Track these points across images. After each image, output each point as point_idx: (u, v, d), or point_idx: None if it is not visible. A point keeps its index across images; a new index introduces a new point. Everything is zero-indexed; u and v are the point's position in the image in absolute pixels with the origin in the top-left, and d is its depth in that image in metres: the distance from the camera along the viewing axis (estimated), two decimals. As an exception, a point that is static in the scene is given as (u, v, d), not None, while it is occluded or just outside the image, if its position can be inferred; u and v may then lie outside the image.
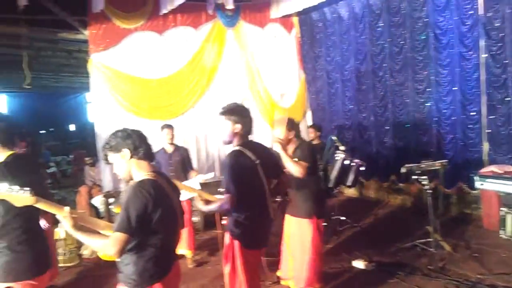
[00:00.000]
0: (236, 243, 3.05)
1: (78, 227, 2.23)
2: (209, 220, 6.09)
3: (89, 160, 7.60)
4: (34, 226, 2.72)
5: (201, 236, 6.13)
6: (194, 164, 6.94)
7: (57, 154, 14.25)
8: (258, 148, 3.20)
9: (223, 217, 4.05)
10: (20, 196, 2.16)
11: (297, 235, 4.00)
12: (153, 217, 2.20)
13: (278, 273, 4.31)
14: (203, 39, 7.10)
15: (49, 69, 9.95)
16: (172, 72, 6.90)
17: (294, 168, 3.72)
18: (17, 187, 2.15)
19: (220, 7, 7.11)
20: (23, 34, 6.16)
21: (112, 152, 2.31)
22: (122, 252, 2.17)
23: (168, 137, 5.25)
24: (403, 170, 5.22)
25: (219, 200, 3.28)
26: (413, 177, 5.20)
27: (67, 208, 2.21)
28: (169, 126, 5.34)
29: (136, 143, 2.29)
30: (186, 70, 6.97)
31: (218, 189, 3.72)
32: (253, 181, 3.02)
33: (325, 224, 5.82)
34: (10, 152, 2.71)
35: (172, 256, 2.48)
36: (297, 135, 4.08)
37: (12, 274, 2.55)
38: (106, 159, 2.37)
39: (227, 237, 3.16)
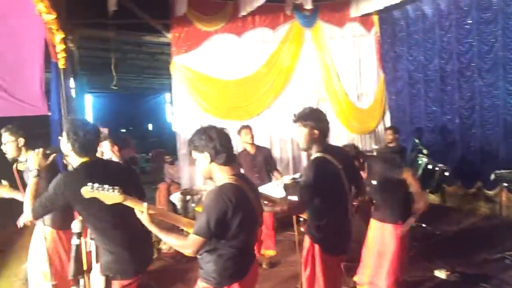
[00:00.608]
0: (317, 247, 3.01)
1: (156, 223, 2.32)
2: (282, 221, 6.07)
3: (168, 159, 7.90)
4: (131, 227, 2.72)
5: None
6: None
7: (136, 152, 14.92)
8: (339, 153, 3.12)
9: (300, 220, 4.02)
10: (109, 194, 2.26)
11: (380, 240, 3.87)
12: (233, 223, 2.23)
13: (355, 278, 4.20)
14: (280, 40, 7.10)
15: (132, 71, 10.49)
16: (249, 73, 6.98)
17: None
18: (107, 186, 2.25)
19: (298, 8, 7.06)
20: (111, 37, 6.53)
21: (195, 151, 2.34)
22: (197, 252, 2.27)
23: (248, 137, 5.21)
24: (492, 176, 4.88)
25: (287, 202, 3.25)
26: (504, 184, 4.85)
27: (145, 204, 2.31)
28: (248, 127, 5.32)
29: (218, 148, 2.28)
30: (263, 71, 7.01)
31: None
32: (336, 187, 2.96)
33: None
34: (85, 159, 2.70)
35: (250, 256, 2.51)
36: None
37: (111, 272, 2.64)
38: (190, 154, 2.40)
39: (307, 241, 3.12)
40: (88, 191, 2.24)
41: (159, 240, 5.90)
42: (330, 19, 7.41)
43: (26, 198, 2.61)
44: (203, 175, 2.39)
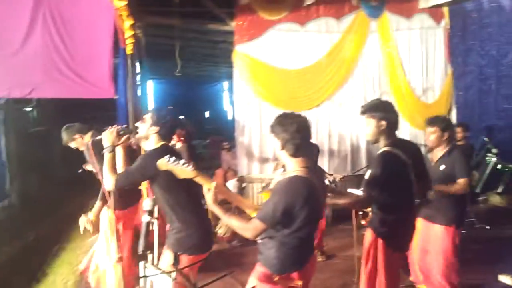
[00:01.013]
0: (380, 242, 2.95)
1: (219, 204, 2.39)
2: (338, 214, 6.01)
3: (226, 145, 8.00)
4: (198, 207, 2.99)
5: (329, 229, 6.06)
6: (326, 158, 6.93)
7: (194, 138, 15.23)
8: (408, 147, 3.03)
9: (360, 214, 3.95)
10: (183, 169, 2.35)
11: (430, 241, 3.75)
12: (299, 215, 2.24)
13: (411, 278, 4.11)
14: (344, 30, 6.93)
15: (193, 58, 10.68)
16: (310, 63, 6.87)
17: (454, 189, 3.56)
18: (182, 160, 2.36)
19: (364, -3, 6.90)
20: (176, 25, 6.67)
21: (273, 135, 2.37)
22: (256, 237, 2.33)
23: None
24: None
25: (353, 196, 3.20)
26: None
27: (214, 183, 2.38)
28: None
29: (288, 138, 2.28)
30: (325, 61, 6.88)
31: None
32: (403, 182, 2.88)
33: (464, 231, 5.40)
34: (162, 143, 2.94)
35: (311, 247, 2.54)
36: (451, 138, 3.78)
37: (181, 248, 2.83)
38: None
39: (369, 234, 3.07)
40: (164, 163, 2.38)
41: (215, 224, 6.03)
42: (397, 10, 7.12)
43: (105, 171, 2.82)
44: (278, 157, 2.47)
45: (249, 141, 6.84)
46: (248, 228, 2.29)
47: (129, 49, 5.73)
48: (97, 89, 5.54)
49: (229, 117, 16.99)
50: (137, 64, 6.41)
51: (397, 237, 2.94)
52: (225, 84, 16.88)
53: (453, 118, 7.36)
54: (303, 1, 6.60)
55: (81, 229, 3.86)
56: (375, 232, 2.99)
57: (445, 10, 7.31)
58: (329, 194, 2.95)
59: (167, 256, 2.82)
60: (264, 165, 6.83)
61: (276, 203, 2.20)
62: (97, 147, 2.98)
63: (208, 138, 13.46)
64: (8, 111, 8.05)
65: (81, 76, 5.53)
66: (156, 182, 2.78)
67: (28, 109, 9.79)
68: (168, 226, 2.99)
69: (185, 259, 2.75)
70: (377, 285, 3.00)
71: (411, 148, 3.05)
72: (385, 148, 2.91)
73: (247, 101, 6.75)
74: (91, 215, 3.88)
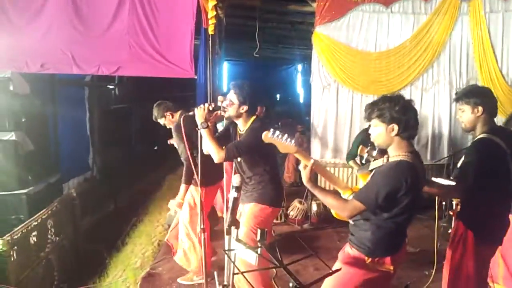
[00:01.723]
0: (470, 234, 2.79)
1: (314, 182, 2.38)
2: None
3: (300, 128, 7.95)
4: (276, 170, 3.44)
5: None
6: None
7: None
8: (509, 135, 2.82)
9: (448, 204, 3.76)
10: (285, 144, 2.41)
11: None
12: (402, 201, 2.18)
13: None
14: (433, 12, 6.53)
15: (269, 40, 10.61)
16: (393, 45, 6.59)
17: None
18: (285, 135, 2.41)
19: (456, -23, 6.44)
20: (257, 6, 6.63)
21: (379, 120, 2.25)
22: (352, 218, 2.30)
23: None
24: None
25: (442, 186, 3.06)
26: None
27: (312, 160, 2.36)
28: None
29: (410, 123, 2.21)
30: (409, 44, 6.55)
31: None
32: (500, 172, 2.69)
33: None
34: (254, 117, 3.17)
35: (405, 235, 2.45)
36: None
37: (267, 200, 3.21)
38: (369, 119, 2.33)
39: (458, 225, 2.91)
40: (268, 136, 2.43)
41: (288, 206, 6.04)
42: (492, -10, 6.61)
43: (209, 145, 3.02)
44: (380, 145, 2.34)
45: (324, 125, 6.71)
46: (346, 208, 2.25)
47: (211, 30, 5.79)
48: (179, 69, 5.69)
49: (301, 100, 16.86)
50: (217, 45, 6.43)
51: (490, 230, 2.76)
52: (299, 67, 16.71)
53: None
54: (389, -19, 6.29)
55: (172, 212, 4.10)
56: (465, 223, 2.82)
57: (548, -11, 6.67)
58: None
59: (248, 231, 2.98)
60: (338, 151, 6.69)
61: (380, 187, 2.15)
62: (188, 123, 3.06)
63: (279, 121, 13.45)
64: (92, 88, 8.51)
65: (164, 56, 5.70)
66: (257, 152, 3.07)
67: (111, 87, 10.30)
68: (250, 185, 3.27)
69: (268, 211, 3.19)
70: (464, 279, 2.84)
71: (510, 136, 2.83)
72: (482, 135, 2.72)
73: (325, 85, 6.60)
74: (179, 197, 4.05)
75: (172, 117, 4.36)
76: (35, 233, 4.58)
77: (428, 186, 2.91)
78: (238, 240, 2.16)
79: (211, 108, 3.01)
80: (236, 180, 2.28)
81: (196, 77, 5.82)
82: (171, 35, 5.74)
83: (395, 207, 2.20)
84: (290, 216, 5.99)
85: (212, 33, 5.82)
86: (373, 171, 2.37)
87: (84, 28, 5.65)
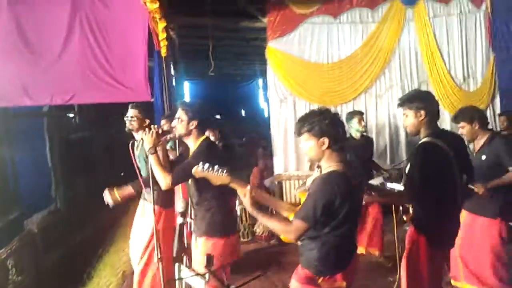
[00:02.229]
0: (423, 239, 2.83)
1: (257, 206, 2.34)
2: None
3: (263, 143, 7.98)
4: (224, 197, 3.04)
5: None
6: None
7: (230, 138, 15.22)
8: (451, 138, 2.90)
9: (401, 209, 3.83)
10: (217, 176, 2.35)
11: (474, 235, 3.58)
12: (340, 212, 2.18)
13: (450, 274, 3.94)
14: (380, 20, 6.76)
15: (226, 57, 10.71)
16: (345, 55, 6.76)
17: (508, 179, 3.44)
18: (216, 167, 2.32)
19: (399, -15, 6.70)
20: (209, 24, 6.68)
21: (309, 134, 2.27)
22: (299, 238, 2.25)
23: (361, 126, 4.88)
24: None
25: (394, 192, 3.09)
26: None
27: (248, 187, 2.34)
28: (361, 114, 4.98)
29: (339, 135, 2.25)
30: (360, 53, 6.74)
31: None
32: (447, 175, 2.75)
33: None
34: (204, 137, 3.02)
35: (353, 246, 2.46)
36: (483, 125, 3.62)
37: (218, 231, 2.97)
38: (299, 134, 2.34)
39: (411, 231, 2.95)
40: (199, 170, 2.37)
41: (253, 223, 6.03)
42: (434, -4, 6.89)
43: (156, 171, 2.89)
44: (313, 158, 2.34)
45: (284, 138, 6.79)
46: (289, 230, 2.22)
47: (163, 51, 5.79)
48: (134, 93, 5.63)
49: (266, 114, 16.94)
50: (172, 66, 6.42)
51: (440, 234, 2.80)
52: (260, 82, 16.86)
53: (497, 106, 7.06)
54: (336, -7, 6.47)
55: (105, 201, 3.87)
56: (417, 228, 2.87)
57: (486, -8, 7.00)
58: (369, 191, 2.87)
59: (199, 257, 2.84)
60: (301, 162, 6.76)
61: (316, 200, 2.15)
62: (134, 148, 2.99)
63: (244, 137, 13.47)
64: (51, 118, 8.31)
65: (118, 80, 5.64)
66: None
67: (71, 115, 10.10)
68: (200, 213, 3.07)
69: (220, 243, 2.91)
70: (419, 284, 2.87)
71: (454, 138, 2.91)
72: (426, 139, 2.79)
73: (282, 98, 6.70)
74: (117, 193, 3.83)
75: None
76: (-6, 274, 4.40)
77: (380, 196, 2.97)
78: (188, 267, 2.12)
79: (160, 132, 2.94)
80: (180, 205, 2.24)
81: (152, 100, 5.78)
82: (124, 59, 5.69)
83: (334, 219, 2.20)
84: (256, 233, 5.97)
85: (165, 54, 5.81)
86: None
87: (34, 58, 5.53)
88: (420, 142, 2.81)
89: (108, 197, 3.83)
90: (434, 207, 2.76)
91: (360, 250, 4.84)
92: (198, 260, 3.00)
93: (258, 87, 17.58)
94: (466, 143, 3.28)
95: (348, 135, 4.99)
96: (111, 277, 4.99)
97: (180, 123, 2.97)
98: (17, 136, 6.63)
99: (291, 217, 2.34)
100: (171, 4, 6.05)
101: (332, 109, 5.82)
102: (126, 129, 3.81)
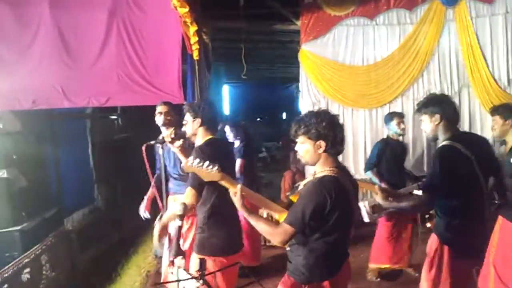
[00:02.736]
0: (446, 248, 2.69)
1: (248, 208, 2.28)
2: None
3: (294, 146, 7.89)
4: (226, 209, 2.82)
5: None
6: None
7: (269, 140, 15.26)
8: (473, 141, 2.76)
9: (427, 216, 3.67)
10: (207, 172, 2.29)
11: (509, 245, 3.35)
12: (330, 218, 2.11)
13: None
14: (418, 21, 6.53)
15: (264, 60, 10.70)
16: (381, 58, 6.60)
17: None
18: (207, 162, 2.28)
19: (439, -15, 6.45)
20: (242, 28, 6.70)
21: (306, 137, 2.21)
22: (286, 243, 2.19)
23: (401, 128, 4.70)
24: None
25: (412, 198, 2.97)
26: None
27: (239, 186, 2.28)
28: (402, 116, 4.81)
29: (337, 138, 2.17)
30: (397, 55, 6.54)
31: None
32: (468, 180, 2.61)
33: None
34: (210, 136, 2.96)
35: (344, 254, 2.37)
36: None
37: (207, 248, 2.80)
38: (295, 136, 2.27)
39: (433, 240, 2.82)
40: (188, 165, 2.31)
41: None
42: (477, -5, 6.60)
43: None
44: (308, 162, 2.27)
45: (318, 142, 6.66)
46: (277, 233, 2.16)
47: (195, 55, 5.85)
48: (168, 95, 5.72)
49: (303, 117, 16.78)
50: (206, 69, 6.48)
51: (465, 243, 2.66)
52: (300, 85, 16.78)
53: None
54: (372, -6, 6.32)
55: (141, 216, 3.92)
56: (440, 237, 2.73)
57: (534, -10, 6.62)
58: (389, 197, 2.76)
59: (193, 260, 2.80)
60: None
61: (305, 205, 2.09)
62: (150, 151, 2.99)
63: (280, 140, 13.45)
64: (94, 120, 8.61)
65: (152, 84, 5.77)
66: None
67: (114, 117, 10.41)
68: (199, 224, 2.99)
69: (210, 263, 2.65)
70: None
71: (476, 141, 2.77)
72: (444, 143, 2.67)
73: (314, 101, 6.63)
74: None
75: None
76: (27, 269, 4.55)
77: (400, 201, 2.85)
78: (185, 270, 2.10)
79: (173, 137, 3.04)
80: (179, 207, 2.21)
81: (185, 103, 5.85)
82: (159, 63, 5.81)
83: (324, 225, 2.13)
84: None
85: (197, 58, 5.87)
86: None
87: (73, 62, 5.76)
88: (439, 146, 2.70)
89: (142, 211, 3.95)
90: (458, 214, 2.64)
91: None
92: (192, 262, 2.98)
93: (298, 90, 17.48)
94: (493, 144, 3.12)
95: (385, 136, 4.91)
96: (137, 276, 5.11)
97: (187, 124, 2.98)
98: (61, 136, 6.91)
99: (281, 219, 2.28)
100: (204, 8, 6.11)
101: (367, 113, 5.89)
102: (159, 123, 3.90)
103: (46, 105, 5.80)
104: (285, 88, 17.76)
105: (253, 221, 2.26)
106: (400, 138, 4.84)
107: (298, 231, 2.13)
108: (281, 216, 2.35)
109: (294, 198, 2.36)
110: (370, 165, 4.79)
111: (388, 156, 4.66)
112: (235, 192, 2.27)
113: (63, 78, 5.67)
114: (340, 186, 2.14)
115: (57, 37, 5.65)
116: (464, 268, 2.75)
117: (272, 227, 2.21)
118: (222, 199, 2.74)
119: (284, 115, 20.00)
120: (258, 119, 18.61)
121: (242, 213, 2.31)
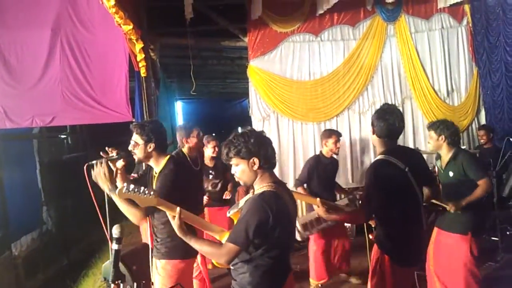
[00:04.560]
0: (386, 258, 2.77)
1: (186, 230, 2.24)
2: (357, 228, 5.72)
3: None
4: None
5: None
6: (349, 169, 6.71)
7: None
8: (406, 154, 2.86)
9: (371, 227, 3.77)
10: (144, 198, 2.26)
11: (446, 252, 3.51)
12: (273, 232, 2.11)
13: None
14: (361, 37, 6.78)
15: (215, 77, 10.76)
16: (326, 72, 6.76)
17: (479, 193, 3.39)
18: (142, 188, 2.24)
19: (380, 2, 6.71)
20: (190, 45, 6.72)
21: (239, 158, 2.21)
22: (231, 262, 2.17)
23: (335, 147, 4.75)
24: None
25: (351, 211, 3.04)
26: None
27: (178, 209, 2.24)
28: (338, 135, 4.84)
29: (269, 153, 2.19)
30: (342, 70, 6.74)
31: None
32: (404, 192, 2.70)
33: (495, 238, 5.06)
34: (167, 157, 2.93)
35: (287, 268, 2.36)
36: (452, 142, 3.59)
37: (164, 253, 2.92)
38: (228, 160, 2.27)
39: (375, 250, 2.89)
40: (123, 192, 2.23)
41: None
42: (415, 12, 6.91)
43: (125, 210, 2.71)
44: (246, 182, 2.26)
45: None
46: (221, 253, 2.13)
47: (142, 72, 5.81)
48: (115, 113, 5.65)
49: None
50: (153, 85, 6.43)
51: (404, 252, 2.74)
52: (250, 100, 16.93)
53: (482, 119, 7.03)
54: (316, 11, 6.49)
55: None
56: (380, 247, 2.81)
57: (466, 7, 7.02)
58: (326, 209, 2.83)
59: (159, 280, 2.79)
60: (285, 179, 6.69)
61: (248, 222, 2.08)
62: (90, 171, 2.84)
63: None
64: (42, 140, 8.33)
65: (99, 102, 5.67)
66: (172, 199, 2.54)
67: (63, 136, 10.11)
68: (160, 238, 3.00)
69: (180, 265, 2.89)
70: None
71: (411, 154, 2.88)
72: (378, 157, 2.76)
73: (264, 116, 6.70)
74: None
75: None
76: (-31, 299, 4.35)
77: (337, 213, 2.92)
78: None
79: (114, 157, 2.79)
80: (115, 231, 2.15)
81: (134, 120, 5.78)
82: (105, 80, 5.73)
83: (268, 240, 2.13)
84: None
85: (145, 75, 5.84)
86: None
87: (15, 81, 5.59)
88: (373, 160, 2.79)
89: None
90: (395, 225, 2.72)
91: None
92: (158, 283, 2.95)
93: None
94: (426, 157, 3.26)
95: (318, 153, 4.98)
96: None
97: (137, 147, 2.88)
98: (6, 158, 6.64)
99: (223, 239, 2.27)
100: (150, 25, 6.10)
101: (316, 126, 5.98)
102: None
103: (-15, 126, 5.60)
104: (238, 103, 17.85)
105: (196, 245, 2.22)
106: (334, 156, 4.90)
107: (242, 249, 2.11)
108: (221, 236, 2.33)
109: (234, 217, 2.36)
110: (298, 182, 4.83)
111: (320, 173, 4.72)
112: (173, 216, 2.24)
113: (3, 98, 5.49)
114: (280, 200, 2.16)
115: (-5, 56, 5.48)
116: (405, 276, 2.83)
117: (215, 248, 2.18)
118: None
119: (239, 129, 20.07)
120: (213, 134, 18.48)
121: (181, 236, 2.25)
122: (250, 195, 2.31)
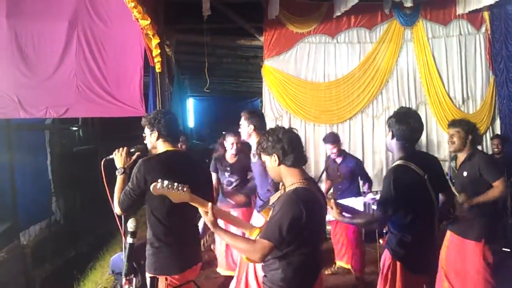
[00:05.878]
0: (398, 264, 2.72)
1: (221, 227, 2.24)
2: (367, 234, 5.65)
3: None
4: (176, 225, 2.75)
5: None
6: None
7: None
8: (425, 160, 2.80)
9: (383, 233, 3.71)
10: (177, 193, 2.23)
11: (459, 257, 3.45)
12: (305, 229, 2.09)
13: None
14: (377, 40, 6.75)
15: (229, 75, 10.76)
16: (341, 75, 6.74)
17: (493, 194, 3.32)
18: (176, 184, 2.22)
19: (398, 6, 6.64)
20: (206, 42, 6.71)
21: (264, 155, 2.25)
22: (264, 258, 2.14)
23: (332, 152, 4.73)
24: None
25: (366, 215, 2.99)
26: None
27: (210, 205, 2.22)
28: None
29: (286, 148, 2.16)
30: (357, 73, 6.71)
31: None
32: (422, 199, 2.65)
33: (507, 249, 4.97)
34: (170, 148, 2.84)
35: (319, 265, 2.37)
36: (474, 142, 3.53)
37: (157, 267, 2.68)
38: (260, 157, 2.31)
39: (387, 256, 2.85)
40: (157, 187, 2.20)
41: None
42: (433, 17, 6.86)
43: (114, 194, 2.72)
44: (274, 178, 2.30)
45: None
46: (255, 250, 2.11)
47: (157, 67, 5.81)
48: (128, 108, 5.65)
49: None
50: (167, 81, 6.43)
51: (416, 259, 2.69)
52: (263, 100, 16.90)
53: (497, 128, 6.93)
54: (333, 13, 6.46)
55: None
56: (392, 253, 2.77)
57: (485, 14, 6.94)
58: (343, 213, 2.79)
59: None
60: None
61: (282, 218, 2.06)
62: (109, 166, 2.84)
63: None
64: (54, 131, 8.39)
65: (113, 95, 5.67)
66: (148, 193, 2.55)
67: (74, 128, 10.18)
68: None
69: (162, 280, 2.56)
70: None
71: (429, 161, 2.83)
72: (397, 162, 2.70)
73: (277, 116, 6.68)
74: None
75: None
76: (-24, 286, 4.39)
77: (355, 217, 2.88)
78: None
79: (132, 150, 2.83)
80: (131, 225, 2.14)
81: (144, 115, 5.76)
82: (120, 74, 5.73)
83: (301, 237, 2.11)
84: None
85: (159, 70, 5.83)
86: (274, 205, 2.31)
87: (31, 72, 5.61)
88: (392, 166, 2.73)
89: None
90: (410, 231, 2.67)
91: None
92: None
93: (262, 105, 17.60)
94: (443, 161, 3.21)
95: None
96: (93, 294, 4.93)
97: (146, 137, 2.88)
98: (18, 148, 6.69)
99: (252, 236, 2.27)
100: (167, 21, 6.10)
101: (329, 128, 5.97)
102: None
103: (1, 116, 5.64)
104: (250, 102, 17.82)
105: (229, 240, 2.22)
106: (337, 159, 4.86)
107: (276, 246, 2.09)
108: (252, 233, 2.32)
109: (265, 213, 2.34)
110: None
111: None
112: (206, 212, 2.23)
113: (19, 88, 5.50)
114: (313, 197, 2.16)
115: (13, 46, 5.49)
116: (416, 283, 2.78)
117: (249, 244, 2.16)
118: (172, 215, 2.67)
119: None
120: (223, 132, 18.48)
121: (216, 232, 2.24)
122: (281, 191, 2.29)
